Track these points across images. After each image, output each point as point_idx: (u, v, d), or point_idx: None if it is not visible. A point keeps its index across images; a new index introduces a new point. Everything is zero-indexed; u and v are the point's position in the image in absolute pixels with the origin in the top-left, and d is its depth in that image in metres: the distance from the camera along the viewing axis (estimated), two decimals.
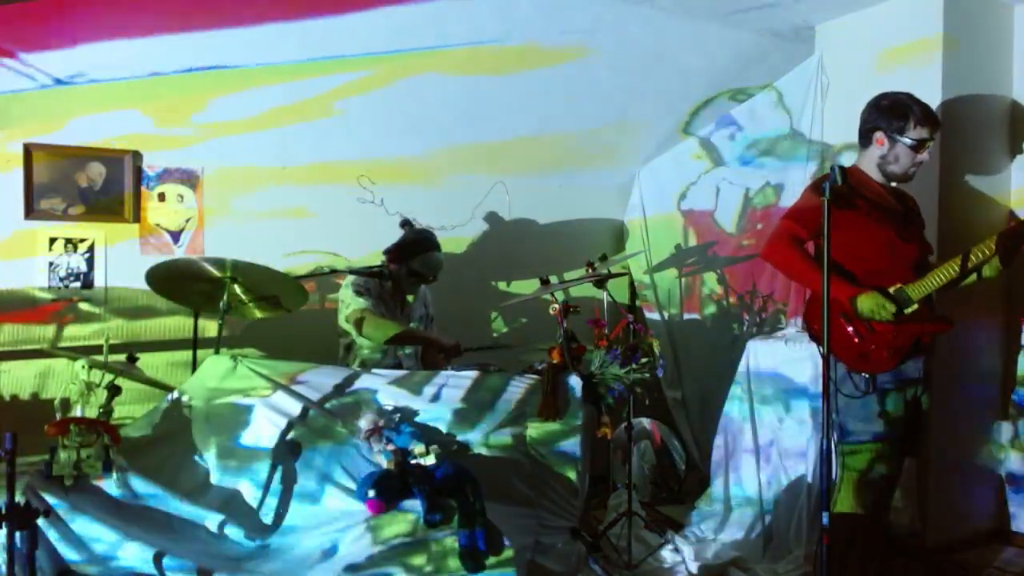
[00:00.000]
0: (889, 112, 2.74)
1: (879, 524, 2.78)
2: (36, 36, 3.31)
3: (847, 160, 3.40)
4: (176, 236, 3.94)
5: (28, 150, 3.61)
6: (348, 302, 3.53)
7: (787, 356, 3.47)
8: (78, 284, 3.74)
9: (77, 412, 2.41)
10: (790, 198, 3.93)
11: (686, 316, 4.68)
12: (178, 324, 3.78)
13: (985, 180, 3.52)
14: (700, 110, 4.46)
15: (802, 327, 3.18)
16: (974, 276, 2.70)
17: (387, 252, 3.68)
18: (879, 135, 2.75)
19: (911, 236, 2.78)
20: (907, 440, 2.74)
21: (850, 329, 2.65)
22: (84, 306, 3.76)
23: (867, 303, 2.60)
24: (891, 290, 2.64)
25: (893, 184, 2.84)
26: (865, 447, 2.67)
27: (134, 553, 2.22)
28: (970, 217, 3.41)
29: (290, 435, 2.63)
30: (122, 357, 2.89)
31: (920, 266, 2.74)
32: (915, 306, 2.63)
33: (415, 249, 3.65)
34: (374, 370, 3.19)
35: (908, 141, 2.71)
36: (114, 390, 2.64)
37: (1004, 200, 3.56)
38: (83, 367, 2.54)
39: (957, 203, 3.41)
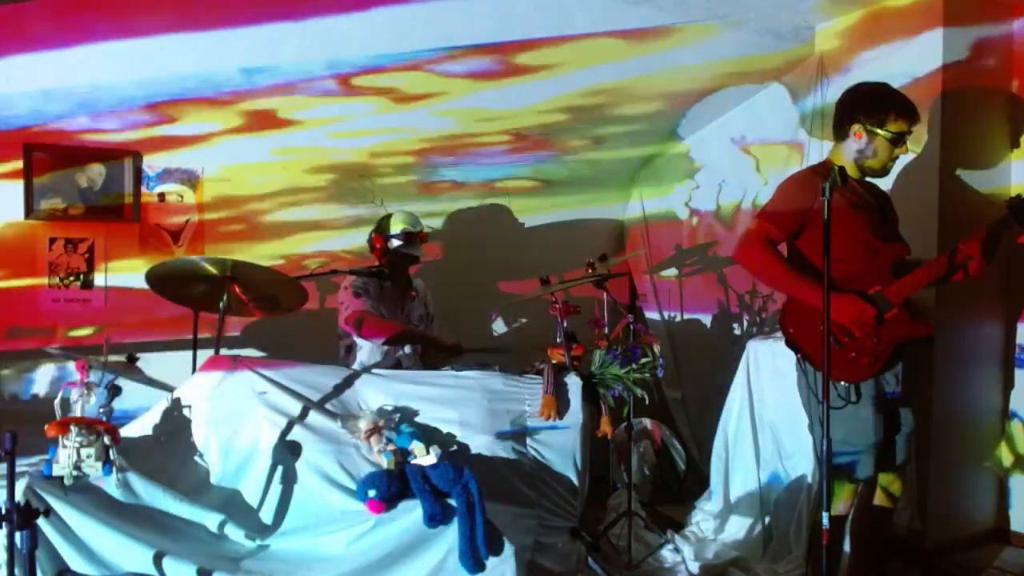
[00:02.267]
0: (867, 104, 2.63)
1: (871, 525, 2.77)
2: (38, 35, 3.31)
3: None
4: (176, 236, 3.94)
5: (28, 150, 3.61)
6: (347, 303, 3.54)
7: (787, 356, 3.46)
8: (78, 284, 3.75)
9: (77, 412, 2.41)
10: None
11: (686, 316, 4.68)
12: (178, 324, 3.78)
13: (985, 177, 3.51)
14: (700, 110, 4.46)
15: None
16: (960, 273, 2.62)
17: (373, 251, 3.69)
18: (856, 128, 2.63)
19: (888, 234, 2.69)
20: (885, 447, 2.66)
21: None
22: (84, 306, 3.76)
23: (847, 310, 2.53)
24: (870, 293, 2.57)
25: (867, 179, 2.75)
26: (847, 454, 2.60)
27: (134, 553, 2.22)
28: (970, 214, 3.40)
29: (290, 435, 2.63)
30: (122, 357, 2.89)
31: (898, 266, 2.65)
32: (894, 310, 2.56)
33: (384, 224, 3.67)
34: (374, 370, 3.20)
35: (887, 134, 2.61)
36: (114, 390, 2.64)
37: (1004, 197, 3.55)
38: (83, 367, 2.54)
39: (957, 200, 3.40)
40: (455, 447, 2.67)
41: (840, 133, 2.71)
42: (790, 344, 2.71)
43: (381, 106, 3.94)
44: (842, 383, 2.56)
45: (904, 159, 2.74)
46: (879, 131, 2.61)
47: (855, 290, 2.58)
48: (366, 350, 3.60)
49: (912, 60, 3.45)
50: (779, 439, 3.48)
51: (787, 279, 2.62)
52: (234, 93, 3.69)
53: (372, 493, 2.39)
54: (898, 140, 2.61)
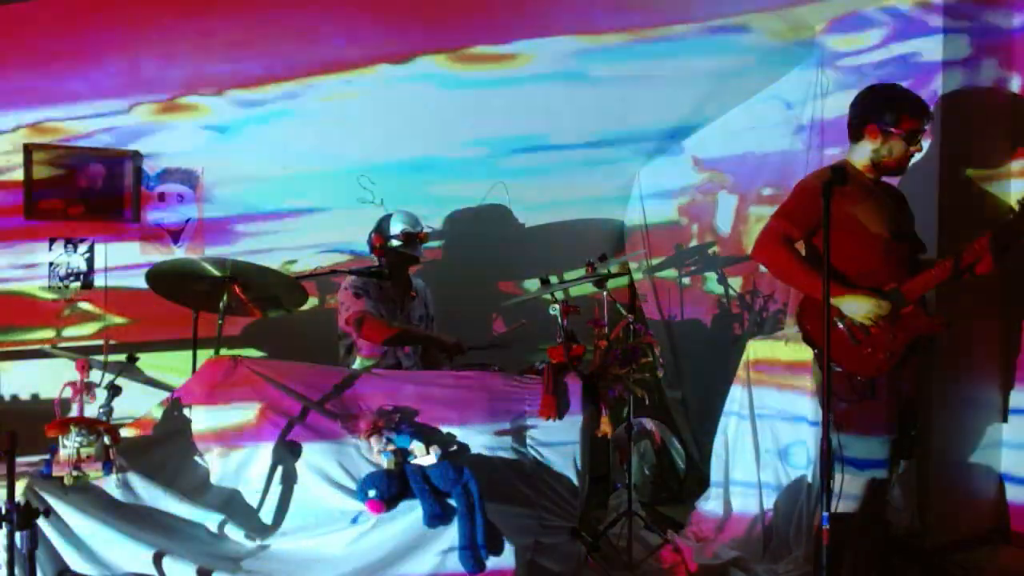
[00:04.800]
0: (880, 104, 2.68)
1: (875, 525, 2.78)
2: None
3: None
4: (176, 236, 3.94)
5: (28, 150, 3.61)
6: (347, 304, 3.53)
7: (787, 356, 3.47)
8: (78, 284, 3.75)
9: (77, 412, 2.41)
10: None
11: (686, 316, 4.68)
12: (178, 324, 3.78)
13: (985, 176, 3.52)
14: (700, 110, 4.46)
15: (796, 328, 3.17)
16: (969, 273, 2.65)
17: (373, 251, 3.69)
18: (871, 128, 2.68)
19: (903, 233, 2.73)
20: (899, 442, 2.69)
21: (843, 330, 2.61)
22: (84, 306, 3.76)
23: (863, 306, 2.57)
24: (885, 290, 2.61)
25: (882, 179, 2.79)
26: (863, 450, 2.62)
27: (134, 553, 2.23)
28: (970, 214, 3.41)
29: (290, 435, 2.63)
30: (122, 357, 2.89)
31: (913, 264, 2.70)
32: (909, 307, 2.60)
33: (384, 224, 3.67)
34: (374, 370, 3.20)
35: (902, 133, 2.65)
36: (114, 390, 2.64)
37: (1004, 196, 3.56)
38: (83, 367, 2.54)
39: (957, 200, 3.41)
40: (455, 447, 2.67)
41: (855, 134, 2.75)
42: (807, 340, 2.75)
43: (383, 104, 3.95)
44: (859, 378, 2.59)
45: None
46: (893, 130, 2.65)
47: (871, 287, 2.61)
48: (366, 350, 3.60)
49: (912, 59, 3.46)
50: (779, 439, 3.48)
51: (804, 276, 2.66)
52: (235, 92, 3.69)
53: (372, 493, 2.39)
54: (912, 138, 2.67)
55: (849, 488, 2.60)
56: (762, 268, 3.63)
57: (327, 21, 3.45)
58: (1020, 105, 3.57)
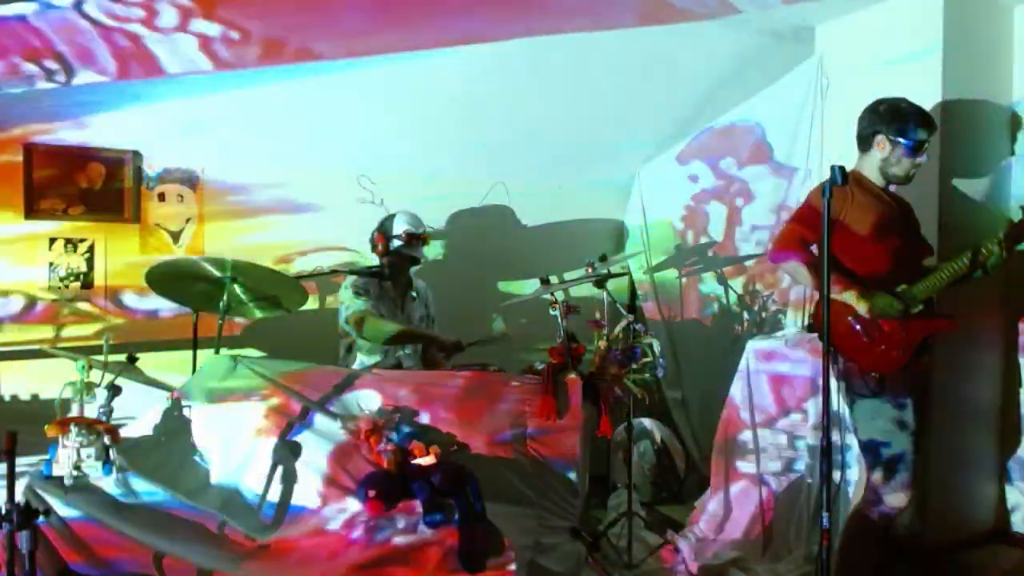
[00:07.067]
0: (889, 116, 2.80)
1: (875, 524, 2.79)
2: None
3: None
4: (176, 236, 3.94)
5: (28, 150, 3.61)
6: (348, 303, 3.54)
7: (787, 357, 3.47)
8: (78, 284, 3.75)
9: (77, 412, 2.41)
10: (791, 200, 3.94)
11: (686, 316, 4.68)
12: (178, 324, 3.78)
13: (985, 182, 3.52)
14: (699, 111, 4.46)
15: (807, 327, 3.20)
16: (979, 271, 2.74)
17: (374, 250, 3.70)
18: (880, 138, 2.80)
19: (912, 239, 2.83)
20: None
21: (858, 329, 2.67)
22: (84, 306, 3.76)
23: (879, 302, 2.65)
24: (897, 290, 2.69)
25: (891, 187, 2.88)
26: (884, 445, 2.67)
27: (134, 553, 2.23)
28: (970, 219, 3.41)
29: (290, 435, 2.63)
30: (122, 357, 2.89)
31: (920, 268, 2.78)
32: (920, 306, 2.68)
33: (387, 224, 3.67)
34: (374, 370, 3.20)
35: (909, 143, 2.76)
36: (114, 390, 2.64)
37: (1004, 202, 3.56)
38: (83, 367, 2.55)
39: (957, 206, 3.41)
40: (455, 447, 2.68)
41: (865, 145, 2.86)
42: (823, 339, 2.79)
43: (382, 103, 3.95)
44: (873, 374, 2.67)
45: None
46: (901, 141, 2.77)
47: (883, 288, 2.68)
48: (366, 350, 3.60)
49: (912, 61, 3.45)
50: (779, 439, 3.48)
51: (819, 277, 2.68)
52: (236, 92, 3.69)
53: (372, 493, 2.39)
54: (918, 149, 2.78)
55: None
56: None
57: (324, 17, 3.45)
58: (1020, 108, 3.56)
